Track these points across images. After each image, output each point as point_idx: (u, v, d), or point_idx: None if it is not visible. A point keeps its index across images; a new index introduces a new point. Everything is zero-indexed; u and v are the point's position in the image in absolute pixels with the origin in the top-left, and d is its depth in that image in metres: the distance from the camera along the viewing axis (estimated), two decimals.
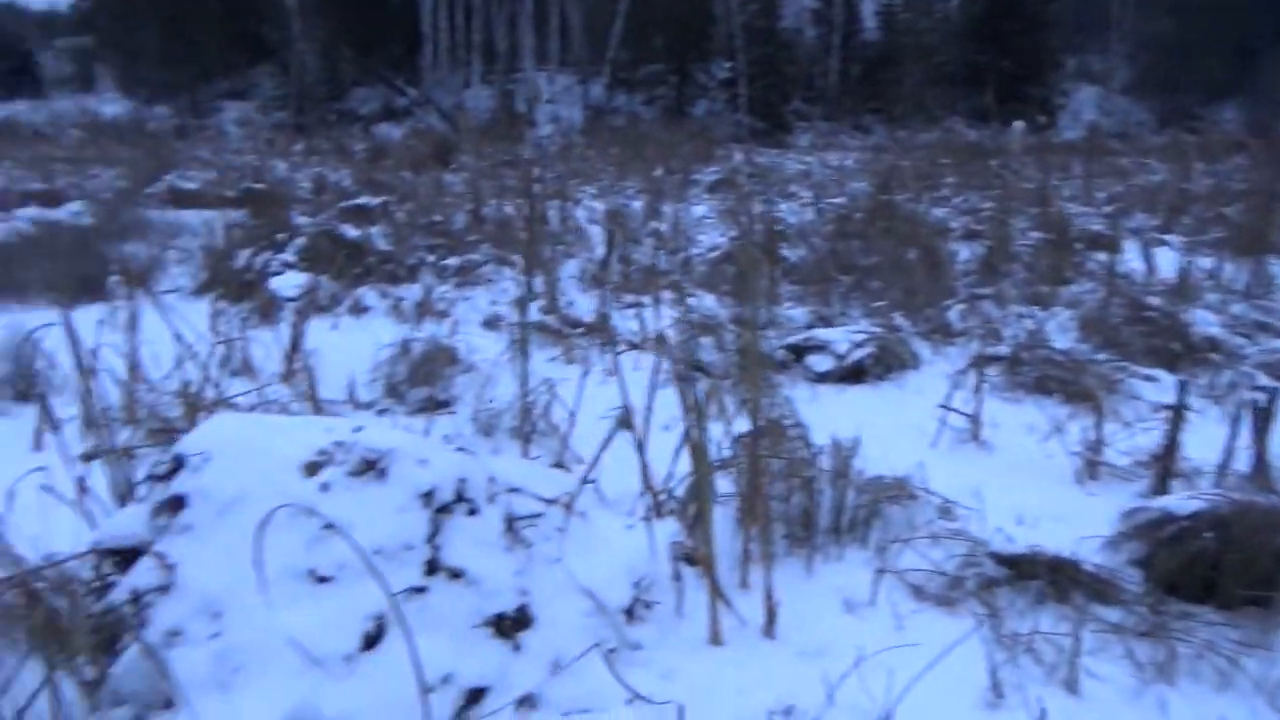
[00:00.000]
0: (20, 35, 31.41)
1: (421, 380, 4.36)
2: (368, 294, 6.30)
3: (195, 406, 3.55)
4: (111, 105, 27.15)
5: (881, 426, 3.90)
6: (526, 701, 2.18)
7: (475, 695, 2.13)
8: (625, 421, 4.17)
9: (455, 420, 4.07)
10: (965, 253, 8.00)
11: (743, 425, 2.93)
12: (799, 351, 5.11)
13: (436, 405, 4.21)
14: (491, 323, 5.81)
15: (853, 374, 4.94)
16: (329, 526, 2.18)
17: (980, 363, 4.53)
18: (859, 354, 4.96)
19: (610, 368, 4.40)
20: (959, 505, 3.27)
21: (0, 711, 2.01)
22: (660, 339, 5.41)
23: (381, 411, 4.24)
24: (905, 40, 31.21)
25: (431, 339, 4.66)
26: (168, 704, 2.04)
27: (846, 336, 5.03)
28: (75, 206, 9.19)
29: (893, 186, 11.80)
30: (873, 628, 2.60)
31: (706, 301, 6.43)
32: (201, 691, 2.00)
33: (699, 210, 10.51)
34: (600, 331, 5.44)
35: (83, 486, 2.51)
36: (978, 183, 13.50)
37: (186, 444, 2.42)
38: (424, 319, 5.80)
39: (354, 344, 5.12)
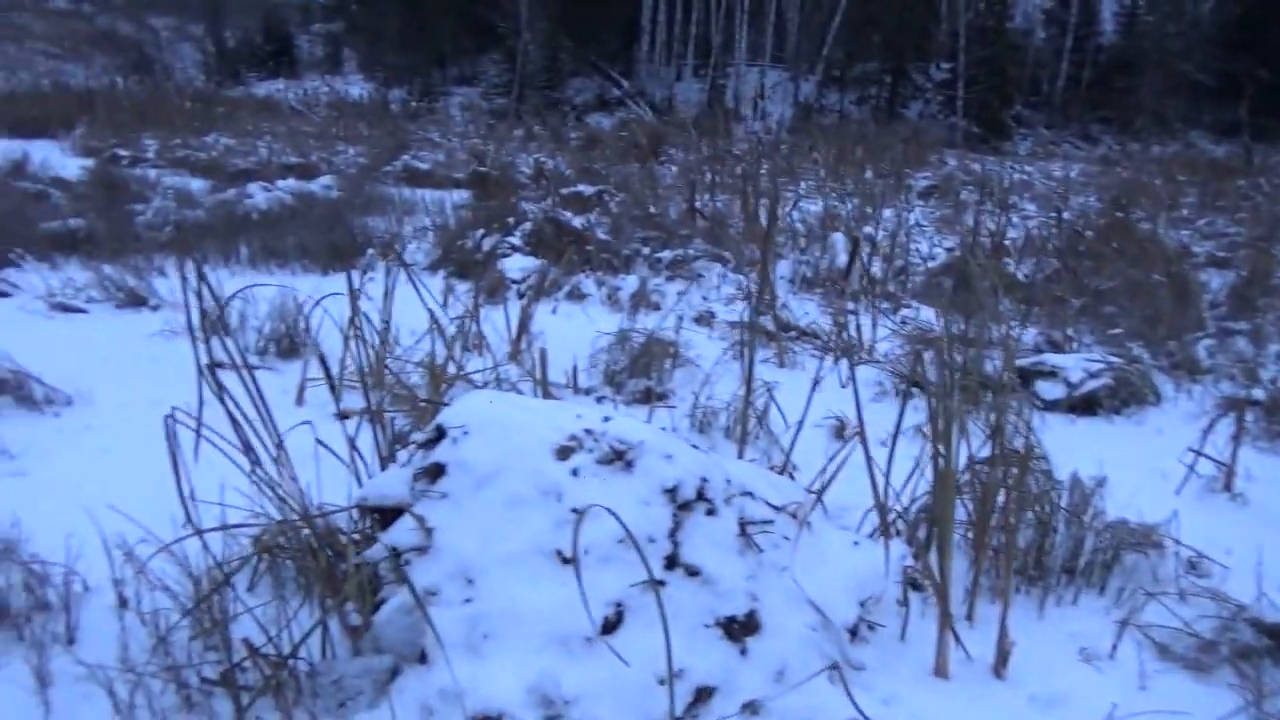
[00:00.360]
0: (283, 20, 34.58)
1: (640, 371, 4.47)
2: (585, 281, 6.51)
3: (439, 378, 3.80)
4: (356, 86, 29.42)
5: (1117, 465, 3.65)
6: (751, 707, 2.20)
7: (704, 694, 2.17)
8: (840, 431, 4.14)
9: (672, 414, 4.14)
10: (1214, 281, 7.35)
11: (971, 449, 2.81)
12: (1025, 376, 4.86)
13: (654, 397, 4.30)
14: (704, 318, 5.86)
15: (1085, 404, 4.65)
16: (576, 511, 2.28)
17: (1236, 405, 4.15)
18: (1093, 384, 4.66)
19: (823, 375, 4.35)
20: (1211, 561, 3.02)
21: (280, 644, 2.24)
22: (871, 349, 5.31)
23: (600, 399, 4.38)
24: (1146, 45, 28.84)
25: (649, 331, 4.76)
26: (422, 658, 2.21)
27: (1080, 364, 4.74)
28: (326, 180, 10.03)
29: (1127, 203, 11.00)
30: (1114, 683, 2.44)
31: (923, 314, 6.23)
32: (453, 652, 2.14)
33: (911, 217, 10.18)
34: (815, 337, 5.39)
35: (352, 446, 2.74)
36: (1224, 204, 12.37)
37: (447, 416, 2.59)
38: (639, 310, 5.93)
39: (573, 329, 5.32)
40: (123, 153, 11.82)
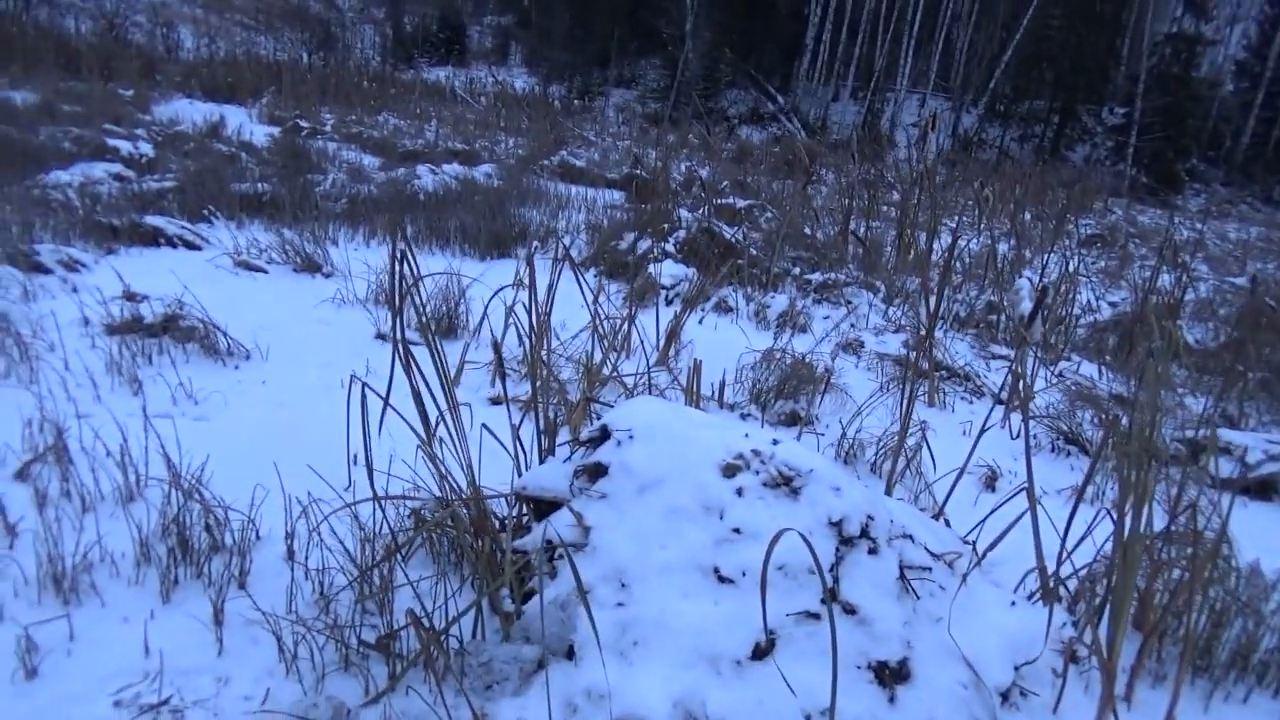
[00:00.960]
0: (458, 9, 35.94)
1: (788, 393, 4.42)
2: (733, 294, 6.49)
3: (593, 375, 3.85)
4: (519, 78, 30.28)
5: None
6: None
7: None
8: (991, 482, 3.99)
9: (819, 442, 4.08)
10: None
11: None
12: (1195, 448, 4.56)
13: (801, 421, 4.25)
14: (852, 346, 5.75)
15: (1260, 488, 4.33)
16: (737, 531, 2.26)
17: None
18: (1272, 467, 4.34)
19: (986, 423, 4.20)
20: None
21: (433, 618, 2.31)
22: (1027, 399, 5.09)
23: (744, 416, 4.35)
24: None
25: (799, 355, 4.70)
26: (569, 654, 2.24)
27: (1262, 444, 4.42)
28: (487, 168, 10.34)
29: None
30: None
31: (1083, 368, 5.95)
32: (602, 652, 2.16)
33: (1072, 264, 9.73)
34: (967, 379, 5.21)
35: (516, 434, 2.80)
36: None
37: (613, 418, 2.62)
38: (785, 329, 5.87)
39: (720, 341, 5.31)
40: (303, 124, 12.50)
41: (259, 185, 7.54)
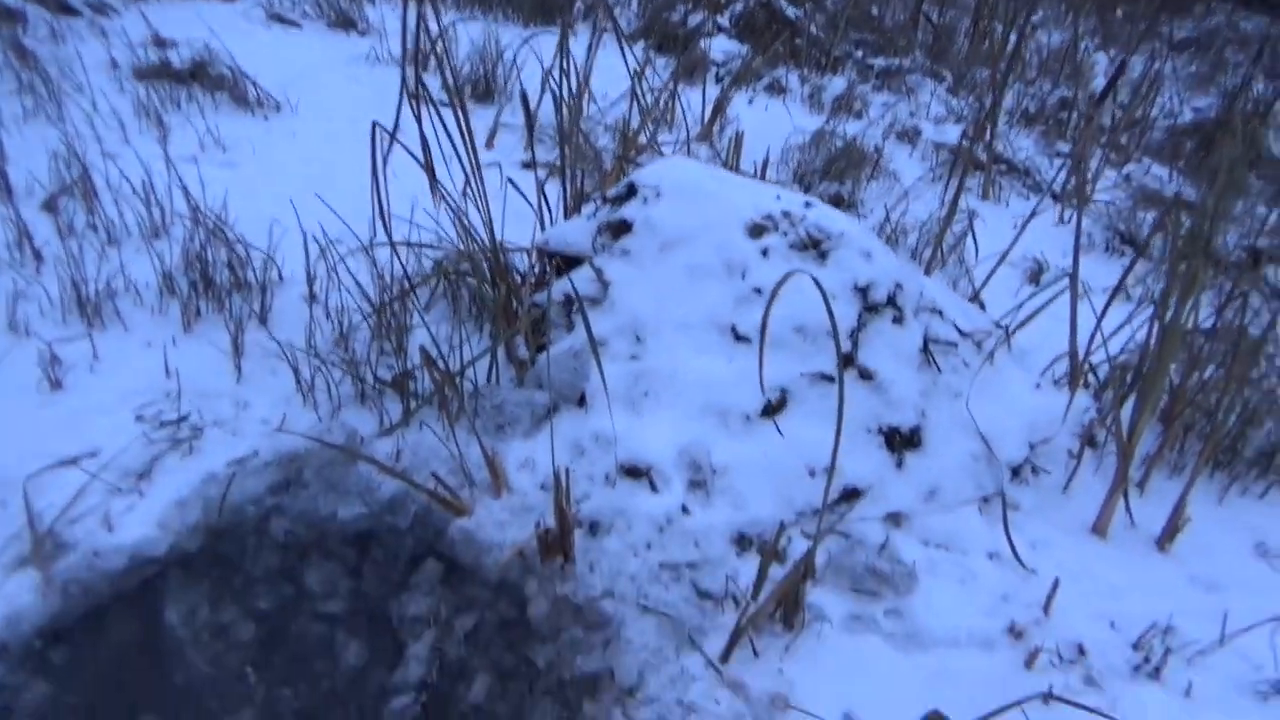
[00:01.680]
0: None
1: (834, 175, 4.23)
2: (789, 76, 6.13)
3: (630, 142, 3.69)
4: None
5: None
6: (894, 518, 2.16)
7: (851, 494, 2.13)
8: (1036, 276, 3.85)
9: (861, 226, 3.93)
10: None
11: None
12: (1258, 256, 4.34)
13: (844, 204, 4.09)
14: (908, 134, 5.46)
15: None
16: (758, 291, 2.20)
17: None
18: None
19: (1040, 212, 4.01)
20: None
21: (450, 361, 2.32)
22: (1087, 197, 4.85)
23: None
24: None
25: (850, 138, 4.46)
26: (581, 401, 2.25)
27: None
28: None
29: None
30: None
31: (1153, 172, 5.61)
32: (613, 401, 2.17)
33: (1163, 68, 9.02)
34: (1027, 174, 4.95)
35: (541, 191, 2.71)
36: None
37: (641, 176, 2.51)
38: (841, 114, 5.57)
39: (769, 121, 5.05)
40: None
41: None
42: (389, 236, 2.36)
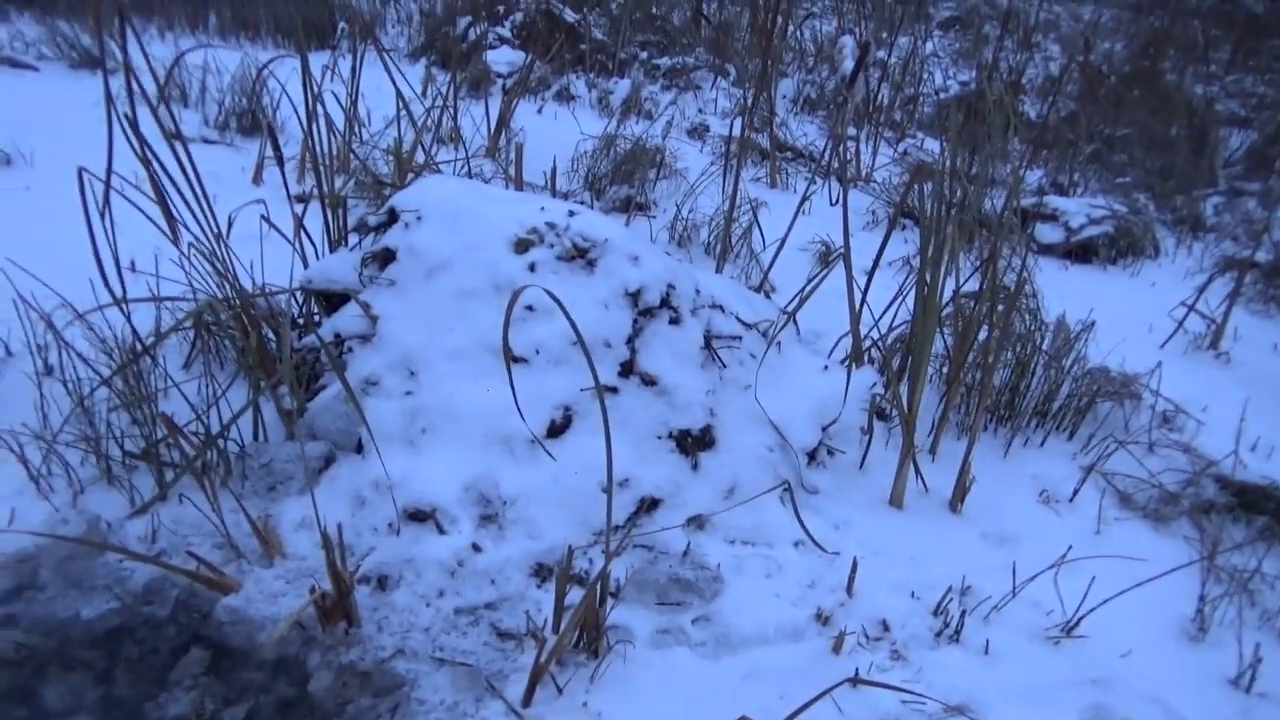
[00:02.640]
0: None
1: (623, 178, 4.22)
2: (576, 82, 6.11)
3: (405, 166, 3.54)
4: None
5: (1106, 315, 3.50)
6: (696, 521, 2.13)
7: (649, 504, 2.08)
8: (825, 257, 3.96)
9: (653, 225, 3.94)
10: (1233, 139, 7.01)
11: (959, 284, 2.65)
12: (1025, 217, 4.64)
13: (635, 206, 4.08)
14: (697, 131, 5.54)
15: (1081, 251, 4.47)
16: (530, 309, 2.12)
17: (1236, 265, 3.99)
18: (1093, 231, 4.47)
19: (813, 195, 4.12)
20: (1186, 415, 2.94)
21: (210, 423, 2.12)
22: (869, 176, 5.06)
23: (577, 203, 4.15)
24: None
25: (637, 138, 4.47)
26: (358, 448, 2.10)
27: (1084, 209, 4.52)
28: None
29: (1155, 52, 10.43)
30: (1070, 527, 2.39)
31: (928, 145, 5.93)
32: (389, 444, 2.04)
33: (928, 46, 9.61)
34: (811, 158, 5.11)
35: (299, 225, 2.53)
36: (1257, 64, 11.76)
37: (401, 199, 2.39)
38: (630, 116, 5.58)
39: (559, 131, 5.01)
40: None
41: None
42: (115, 293, 2.13)
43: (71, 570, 1.81)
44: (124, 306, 2.11)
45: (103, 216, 2.00)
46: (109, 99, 2.03)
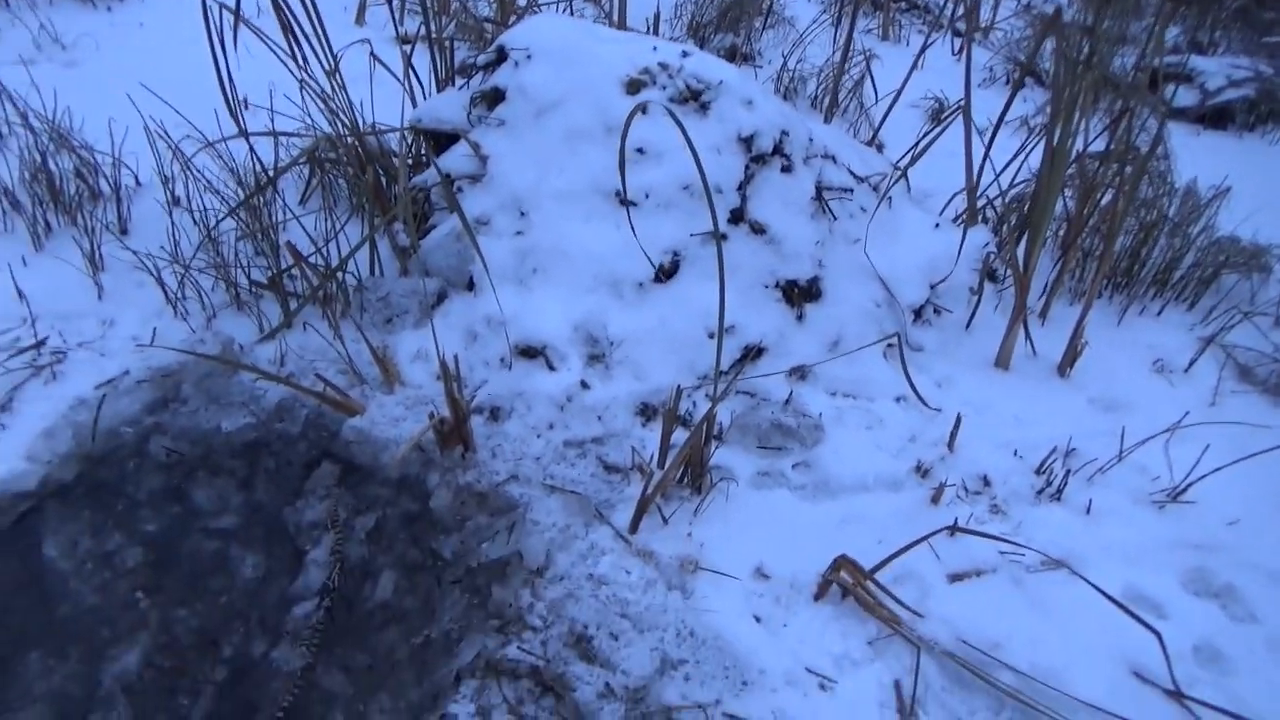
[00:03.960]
0: None
1: (728, 26, 4.06)
2: None
3: (508, 7, 3.47)
4: None
5: (1240, 182, 3.30)
6: (799, 372, 2.14)
7: (753, 352, 2.10)
8: (938, 115, 3.79)
9: (758, 76, 3.80)
10: None
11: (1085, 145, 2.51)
12: (1154, 78, 4.33)
13: (741, 56, 3.94)
14: None
15: (1216, 116, 4.18)
16: (641, 151, 2.10)
17: None
18: (1233, 94, 4.15)
19: (931, 46, 3.90)
20: None
21: (329, 256, 2.19)
22: (988, 31, 4.75)
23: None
24: None
25: None
26: (469, 285, 2.15)
27: (1224, 70, 4.19)
28: None
29: None
30: (1183, 397, 2.33)
31: None
32: (501, 282, 2.08)
33: None
34: (927, 11, 4.82)
35: (408, 63, 2.52)
36: None
37: (510, 38, 2.35)
38: None
39: None
40: None
41: None
42: (239, 125, 2.18)
43: (210, 387, 1.93)
44: (248, 138, 2.16)
45: (235, 47, 2.01)
46: None
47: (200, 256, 2.17)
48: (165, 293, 2.11)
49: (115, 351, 1.99)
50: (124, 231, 2.34)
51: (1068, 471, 2.00)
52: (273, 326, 2.10)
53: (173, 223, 2.24)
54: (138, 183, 2.50)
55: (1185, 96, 4.21)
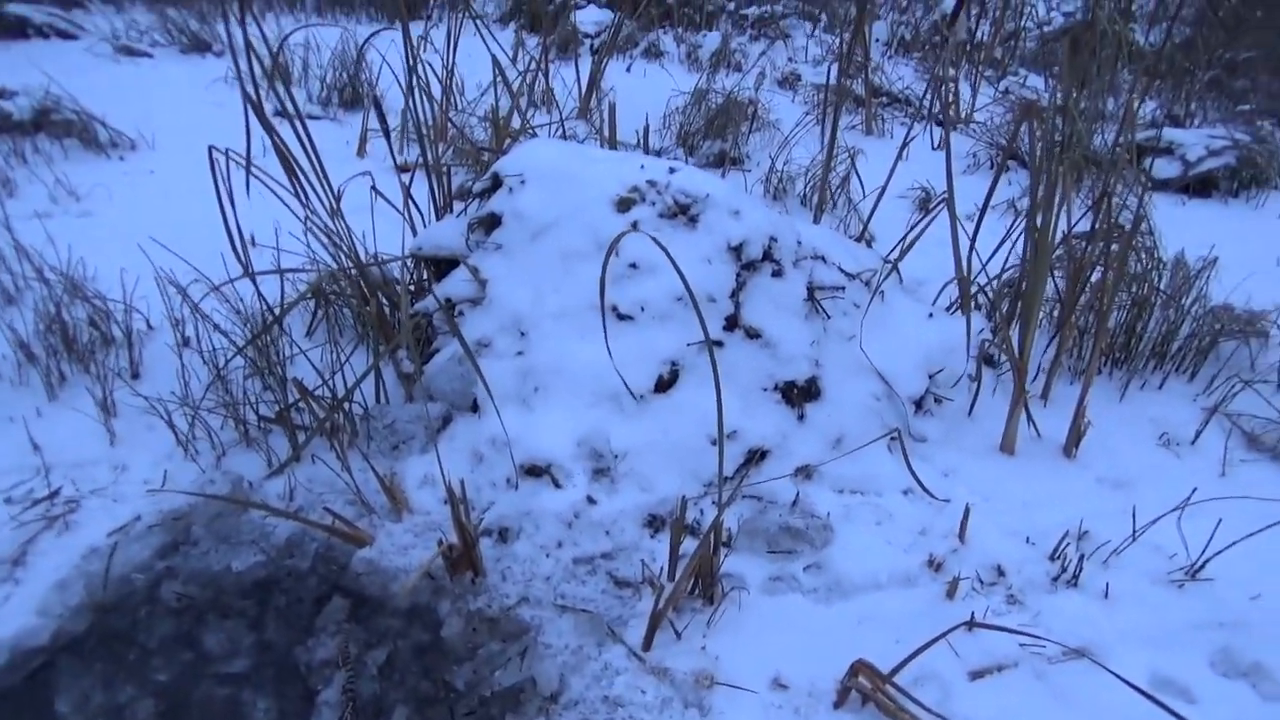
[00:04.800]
0: None
1: (716, 133, 4.20)
2: (664, 38, 6.07)
3: (503, 132, 3.61)
4: None
5: (1229, 250, 3.34)
6: (804, 472, 2.15)
7: (756, 455, 2.11)
8: (925, 204, 3.88)
9: (747, 179, 3.92)
10: None
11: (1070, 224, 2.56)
12: (1139, 151, 4.43)
13: (730, 160, 4.06)
14: (789, 81, 5.45)
15: (1199, 185, 4.26)
16: (634, 266, 2.15)
17: None
18: (1213, 163, 4.24)
19: (913, 139, 4.02)
20: None
21: (335, 387, 2.24)
22: (969, 118, 4.89)
23: (671, 160, 4.15)
24: None
25: (729, 92, 4.43)
26: (474, 407, 2.19)
27: (1202, 140, 4.29)
28: None
29: None
30: (1192, 469, 2.32)
31: (1031, 82, 5.70)
32: (504, 402, 2.11)
33: None
34: (908, 103, 4.97)
35: (407, 194, 2.62)
36: None
37: (504, 165, 2.44)
38: (720, 69, 5.53)
39: (649, 88, 5.00)
40: None
41: None
42: (245, 267, 2.25)
43: (220, 527, 1.95)
44: (254, 279, 2.23)
45: (247, 192, 2.09)
46: (242, 83, 2.12)
47: (210, 396, 2.22)
48: (176, 434, 2.15)
49: (127, 497, 2.02)
50: (135, 376, 2.40)
51: (1082, 556, 1.98)
52: (281, 461, 2.13)
53: (183, 364, 2.30)
54: (149, 326, 2.58)
55: (1167, 168, 4.30)
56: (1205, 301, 2.79)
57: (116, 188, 3.48)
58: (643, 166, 2.30)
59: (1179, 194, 4.26)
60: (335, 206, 2.35)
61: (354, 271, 2.33)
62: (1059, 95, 2.58)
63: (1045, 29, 6.96)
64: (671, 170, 2.28)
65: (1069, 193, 2.30)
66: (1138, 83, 5.60)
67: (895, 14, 7.03)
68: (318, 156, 2.27)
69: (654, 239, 1.73)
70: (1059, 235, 2.50)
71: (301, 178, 2.31)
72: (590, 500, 1.99)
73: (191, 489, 1.96)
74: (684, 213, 2.21)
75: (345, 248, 2.39)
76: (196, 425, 2.17)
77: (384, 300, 2.49)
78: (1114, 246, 2.40)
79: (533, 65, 4.32)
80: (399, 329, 2.30)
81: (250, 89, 2.20)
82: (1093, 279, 2.54)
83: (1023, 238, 2.51)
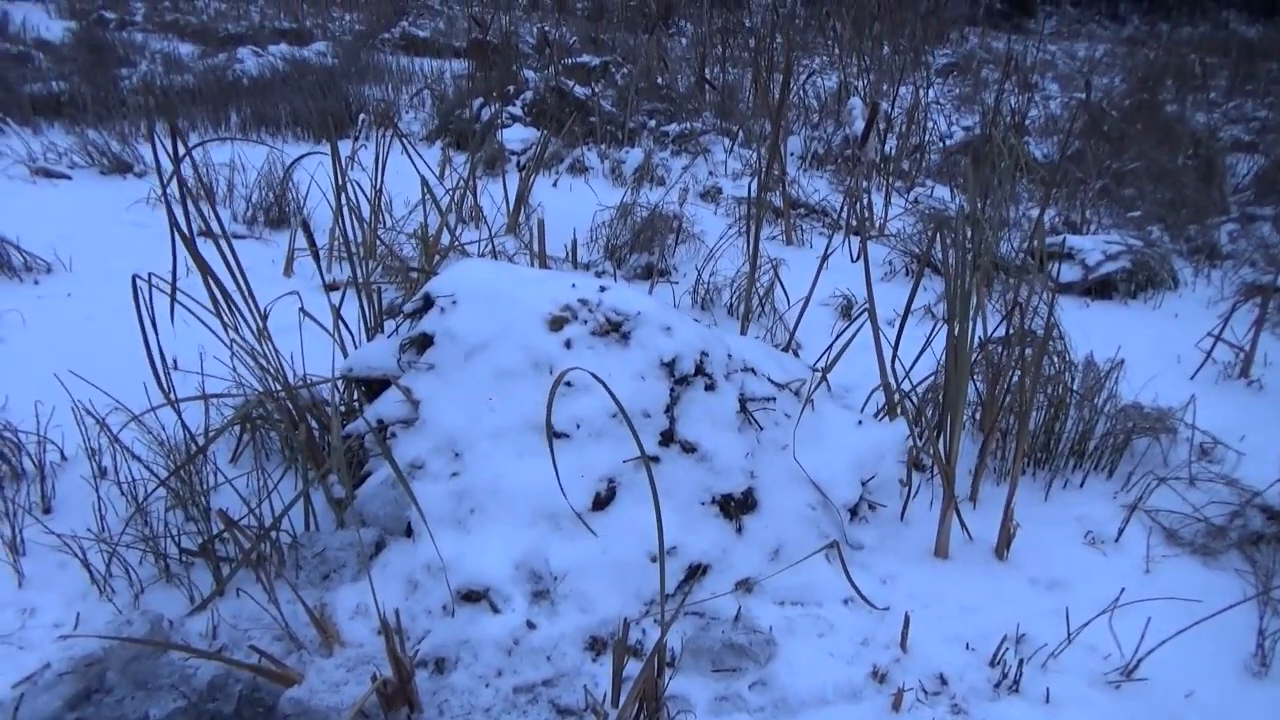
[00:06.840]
0: None
1: (642, 246, 4.30)
2: (589, 154, 6.26)
3: (432, 249, 3.64)
4: None
5: (1133, 350, 3.52)
6: (745, 585, 2.14)
7: (697, 570, 2.10)
8: (848, 311, 4.00)
9: (675, 291, 4.00)
10: (1240, 166, 7.06)
11: (985, 329, 2.67)
12: (1040, 257, 4.68)
13: (657, 273, 4.16)
14: (710, 194, 5.65)
15: (1100, 288, 4.49)
16: (568, 384, 2.17)
17: (1258, 291, 4.00)
18: (1111, 266, 4.49)
19: (833, 251, 4.18)
20: (1224, 446, 2.93)
21: (262, 515, 2.17)
22: (883, 227, 5.12)
23: (600, 274, 4.23)
24: None
25: (653, 206, 4.56)
26: (408, 531, 2.14)
27: (1099, 246, 4.56)
28: (320, 46, 9.59)
29: (1154, 84, 10.55)
30: (1119, 567, 2.38)
31: (938, 193, 6.01)
32: (439, 526, 2.07)
33: (929, 94, 9.77)
34: (824, 214, 5.19)
35: (337, 314, 2.61)
36: (1254, 88, 11.87)
37: (436, 285, 2.46)
38: (643, 184, 5.70)
39: (575, 203, 5.12)
40: (109, 15, 11.29)
41: (56, 84, 6.79)
42: (167, 394, 2.20)
43: (137, 671, 1.84)
44: (176, 407, 2.18)
45: (171, 319, 2.06)
46: (168, 202, 2.11)
47: (128, 530, 2.13)
48: (90, 573, 2.04)
49: (35, 643, 1.90)
50: (47, 511, 2.29)
51: (1020, 660, 2.00)
52: (204, 596, 2.04)
53: (99, 497, 2.21)
54: (63, 457, 2.48)
55: (1070, 272, 4.54)
56: (1116, 401, 2.92)
57: (30, 313, 3.38)
58: (574, 285, 2.34)
59: (1082, 296, 4.49)
60: (262, 326, 2.33)
61: (282, 394, 2.29)
62: (965, 205, 2.75)
63: (947, 142, 7.39)
64: (602, 289, 2.33)
65: (982, 301, 2.40)
66: (1038, 192, 5.96)
67: (808, 129, 7.39)
68: (244, 276, 2.26)
69: (585, 370, 1.75)
70: (976, 341, 2.61)
71: (227, 299, 2.29)
72: (530, 625, 1.94)
73: (106, 631, 1.85)
74: (616, 330, 2.24)
75: (273, 370, 2.36)
76: (113, 562, 2.07)
77: (314, 422, 2.45)
78: (1029, 351, 2.51)
79: (460, 183, 4.40)
80: (329, 453, 2.25)
81: (175, 209, 2.19)
82: (1011, 381, 2.64)
83: (942, 343, 2.62)
